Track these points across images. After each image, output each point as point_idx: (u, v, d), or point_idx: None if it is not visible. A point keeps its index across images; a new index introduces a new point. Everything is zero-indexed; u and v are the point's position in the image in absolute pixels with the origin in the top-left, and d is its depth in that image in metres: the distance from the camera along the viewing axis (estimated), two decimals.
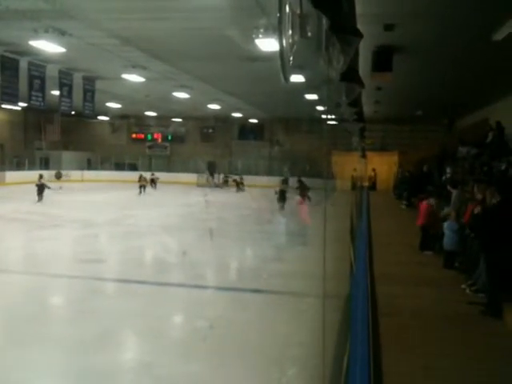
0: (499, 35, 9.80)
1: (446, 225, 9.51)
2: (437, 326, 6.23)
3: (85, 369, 5.26)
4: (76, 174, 36.05)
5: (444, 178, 18.04)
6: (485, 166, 15.46)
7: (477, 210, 8.18)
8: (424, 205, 11.04)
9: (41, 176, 22.24)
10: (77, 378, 5.16)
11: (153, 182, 30.33)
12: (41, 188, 21.46)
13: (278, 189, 21.34)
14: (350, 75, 3.27)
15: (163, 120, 38.87)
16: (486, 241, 7.13)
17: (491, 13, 8.93)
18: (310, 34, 2.27)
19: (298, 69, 13.59)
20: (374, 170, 32.67)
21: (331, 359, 3.14)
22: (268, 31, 9.99)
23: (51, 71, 17.59)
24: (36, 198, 21.09)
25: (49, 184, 22.35)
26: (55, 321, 7.19)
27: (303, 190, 22.14)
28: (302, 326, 5.97)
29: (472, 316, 6.49)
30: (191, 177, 34.60)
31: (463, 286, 7.68)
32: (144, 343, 6.35)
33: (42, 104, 18.49)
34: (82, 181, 35.15)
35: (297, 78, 15.06)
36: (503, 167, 13.98)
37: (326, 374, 2.78)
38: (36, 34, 12.47)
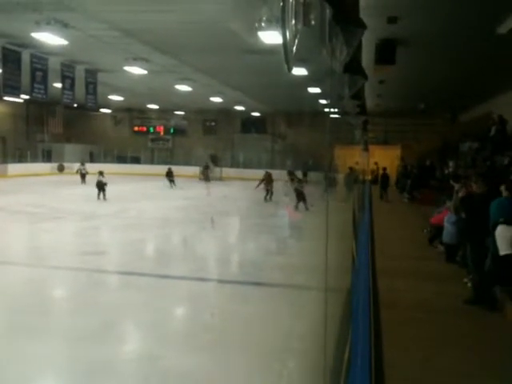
0: (503, 28, 9.73)
1: (445, 218, 9.51)
2: (437, 319, 6.23)
3: (87, 361, 5.26)
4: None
5: (446, 171, 18.00)
6: (487, 161, 15.40)
7: (462, 193, 8.13)
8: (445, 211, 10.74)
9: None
10: (79, 370, 5.17)
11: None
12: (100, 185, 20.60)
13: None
14: (353, 67, 3.25)
15: (165, 113, 38.88)
16: (471, 228, 7.12)
17: (496, 5, 8.87)
18: (313, 22, 2.25)
19: (301, 61, 13.58)
20: (376, 163, 32.54)
21: (332, 352, 3.14)
22: (271, 23, 9.94)
23: (53, 64, 17.60)
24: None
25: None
26: (57, 313, 7.20)
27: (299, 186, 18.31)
28: (304, 318, 5.97)
29: (472, 309, 6.49)
30: (194, 169, 34.54)
31: (465, 280, 7.68)
32: (146, 335, 6.36)
33: (45, 96, 18.52)
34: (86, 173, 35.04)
35: (300, 71, 15.03)
36: (506, 161, 13.92)
37: (327, 366, 2.77)
38: (38, 26, 12.46)
